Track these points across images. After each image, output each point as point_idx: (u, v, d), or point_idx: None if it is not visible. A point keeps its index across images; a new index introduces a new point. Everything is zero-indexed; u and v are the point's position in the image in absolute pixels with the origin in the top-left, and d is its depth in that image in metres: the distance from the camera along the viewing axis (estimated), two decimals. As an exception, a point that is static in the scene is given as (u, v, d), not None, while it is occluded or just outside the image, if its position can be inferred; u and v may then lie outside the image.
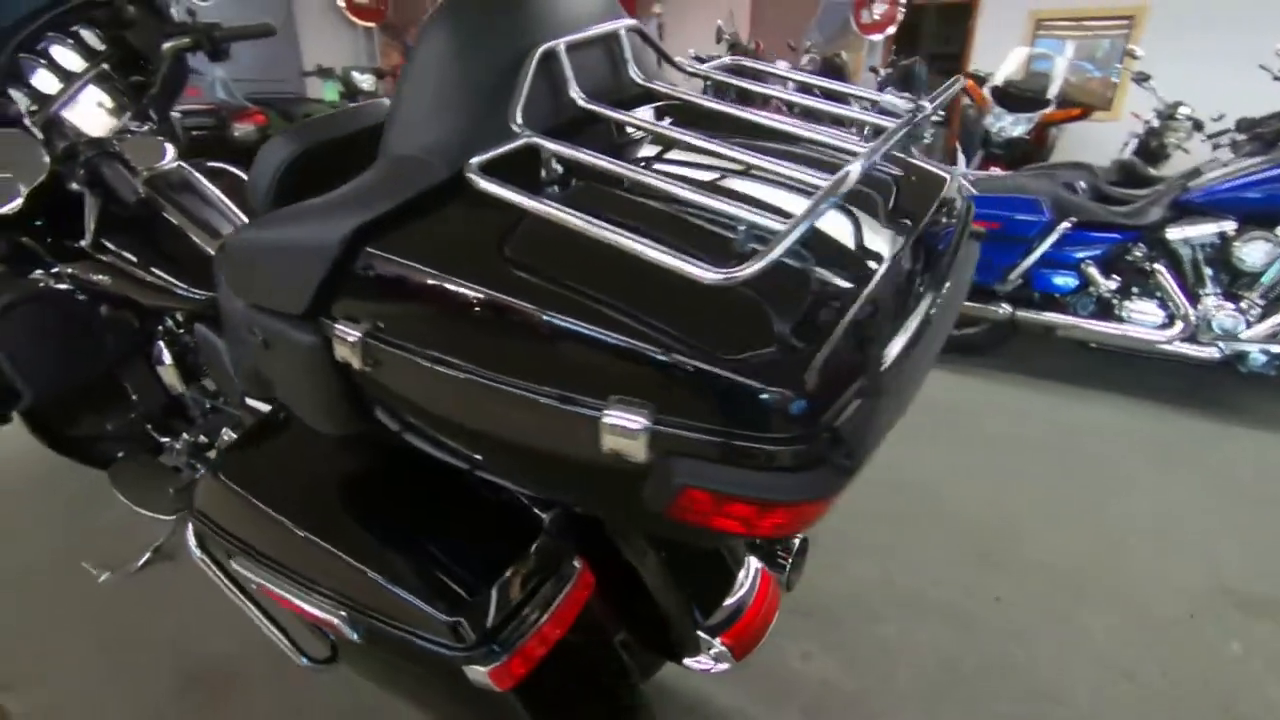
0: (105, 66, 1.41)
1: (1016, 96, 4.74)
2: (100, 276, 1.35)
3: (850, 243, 0.64)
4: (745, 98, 0.89)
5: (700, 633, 1.01)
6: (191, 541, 0.99)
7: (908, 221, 0.70)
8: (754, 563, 1.10)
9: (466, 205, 0.63)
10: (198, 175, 1.45)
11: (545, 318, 0.55)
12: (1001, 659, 1.49)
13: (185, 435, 1.54)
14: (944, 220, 0.81)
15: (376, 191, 0.64)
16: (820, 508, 0.56)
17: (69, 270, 1.38)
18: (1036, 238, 2.59)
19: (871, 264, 0.62)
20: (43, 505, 1.89)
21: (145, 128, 1.47)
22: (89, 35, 1.44)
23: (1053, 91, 4.67)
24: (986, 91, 4.83)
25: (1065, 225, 2.54)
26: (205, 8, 1.63)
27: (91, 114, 1.39)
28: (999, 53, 5.03)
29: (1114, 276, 2.60)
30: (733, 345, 0.52)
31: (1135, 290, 2.58)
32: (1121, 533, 1.87)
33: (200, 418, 1.52)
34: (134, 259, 1.32)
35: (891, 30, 6.74)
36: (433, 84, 0.66)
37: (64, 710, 1.31)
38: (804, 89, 1.01)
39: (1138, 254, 2.53)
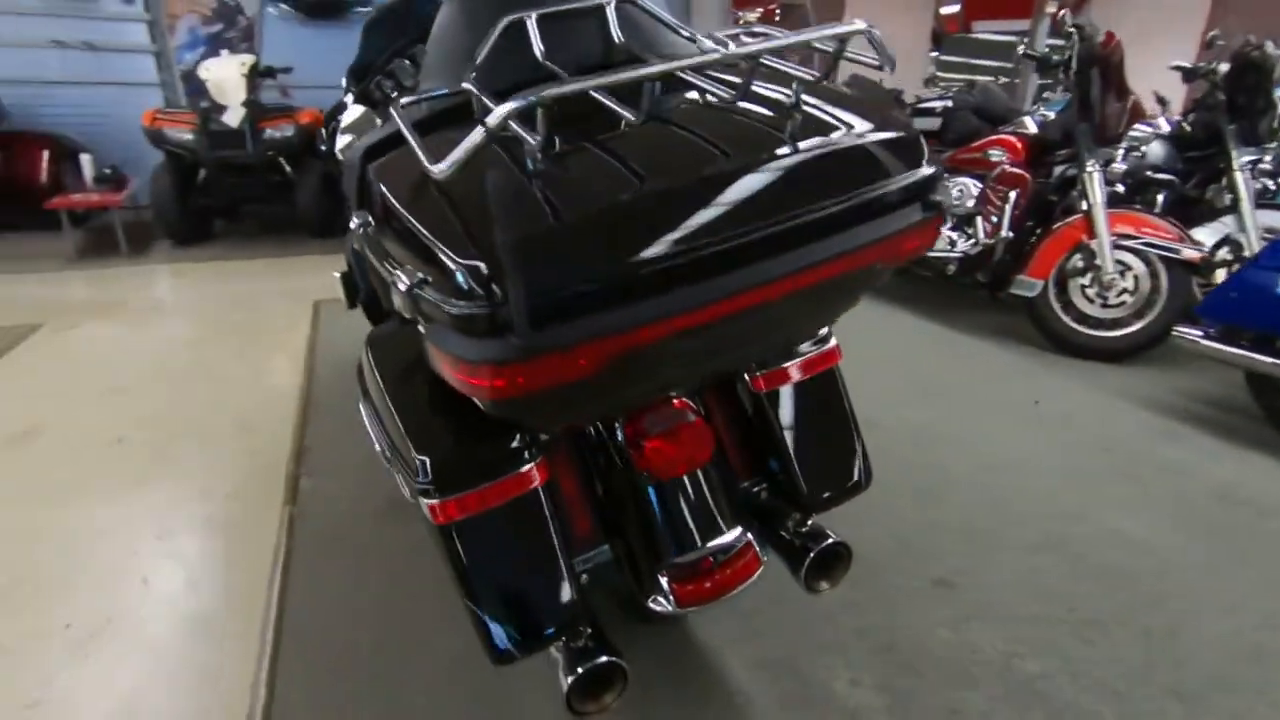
0: None
1: None
2: None
3: (647, 163, 0.69)
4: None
5: (659, 573, 1.08)
6: (360, 394, 1.42)
7: (765, 155, 0.70)
8: (743, 532, 1.11)
9: None
10: None
11: (402, 214, 0.75)
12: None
13: None
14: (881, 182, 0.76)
15: (388, 125, 0.91)
16: (509, 373, 0.64)
17: None
18: None
19: (650, 183, 0.66)
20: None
21: None
22: None
23: None
24: None
25: None
26: None
27: None
28: None
29: None
30: (458, 229, 0.64)
31: None
32: None
33: None
34: None
35: None
36: (440, 46, 0.89)
37: (324, 494, 1.96)
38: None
39: None
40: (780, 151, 0.77)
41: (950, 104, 4.43)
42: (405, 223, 0.73)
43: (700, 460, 1.04)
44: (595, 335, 0.66)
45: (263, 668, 1.37)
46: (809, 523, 1.20)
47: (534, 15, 0.87)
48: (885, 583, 1.63)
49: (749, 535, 1.11)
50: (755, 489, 1.25)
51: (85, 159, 4.74)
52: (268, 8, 5.79)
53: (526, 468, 0.99)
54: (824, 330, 1.24)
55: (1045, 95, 5.08)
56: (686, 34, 0.96)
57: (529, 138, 0.63)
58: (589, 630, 1.04)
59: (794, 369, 1.17)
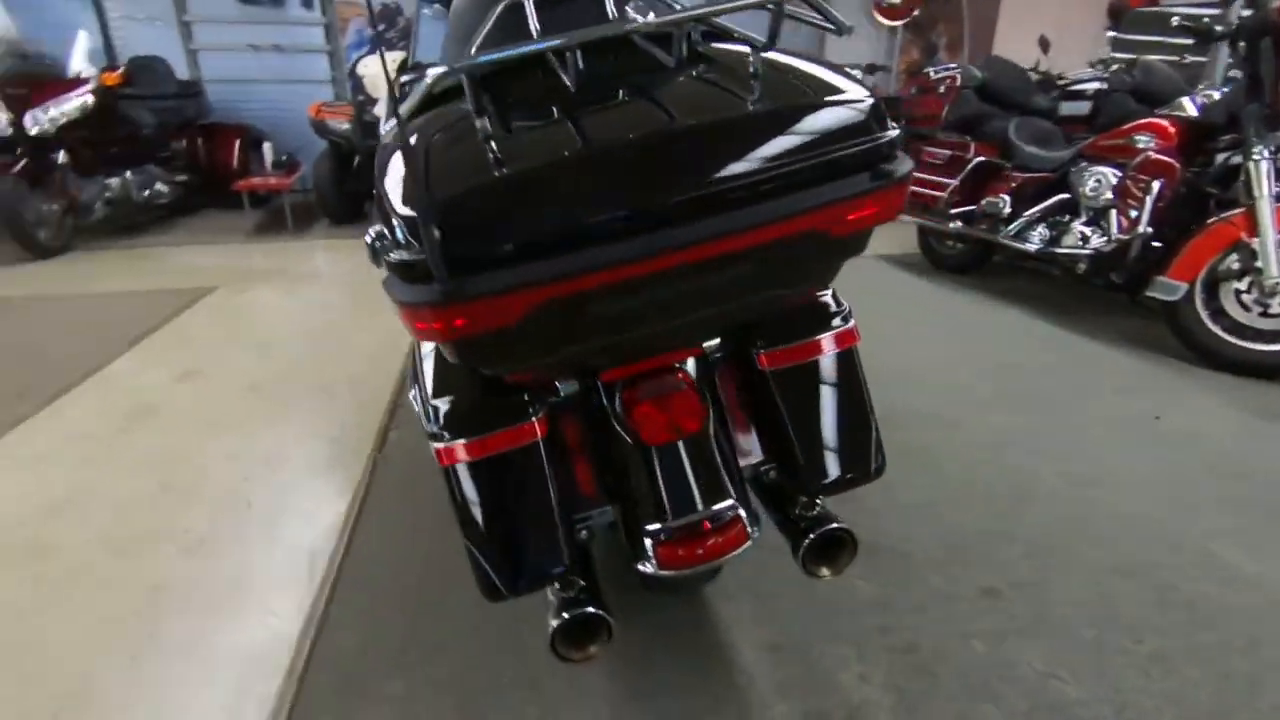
0: None
1: None
2: None
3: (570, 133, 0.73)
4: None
5: (646, 535, 1.11)
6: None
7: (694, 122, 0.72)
8: (733, 505, 1.11)
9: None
10: None
11: (379, 179, 0.84)
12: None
13: None
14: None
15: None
16: (443, 316, 0.71)
17: None
18: None
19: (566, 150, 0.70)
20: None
21: None
22: None
23: None
24: None
25: None
26: None
27: None
28: None
29: None
30: (404, 189, 0.72)
31: None
32: None
33: None
34: None
35: None
36: (456, 26, 0.97)
37: (405, 444, 2.16)
38: None
39: None
40: (710, 117, 0.78)
41: (1104, 86, 3.99)
42: (379, 186, 0.82)
43: (687, 430, 1.06)
44: (512, 285, 0.71)
45: (328, 582, 1.56)
46: (817, 506, 1.18)
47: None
48: (925, 585, 1.56)
49: (740, 510, 1.11)
50: (764, 468, 1.25)
51: (266, 147, 5.46)
52: (423, 9, 6.32)
53: (528, 422, 1.07)
54: (843, 308, 1.21)
55: (1231, 74, 4.41)
56: (681, 6, 0.99)
57: (471, 105, 0.70)
58: (582, 582, 1.09)
59: (800, 349, 1.15)
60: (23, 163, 4.13)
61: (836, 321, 1.18)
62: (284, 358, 2.88)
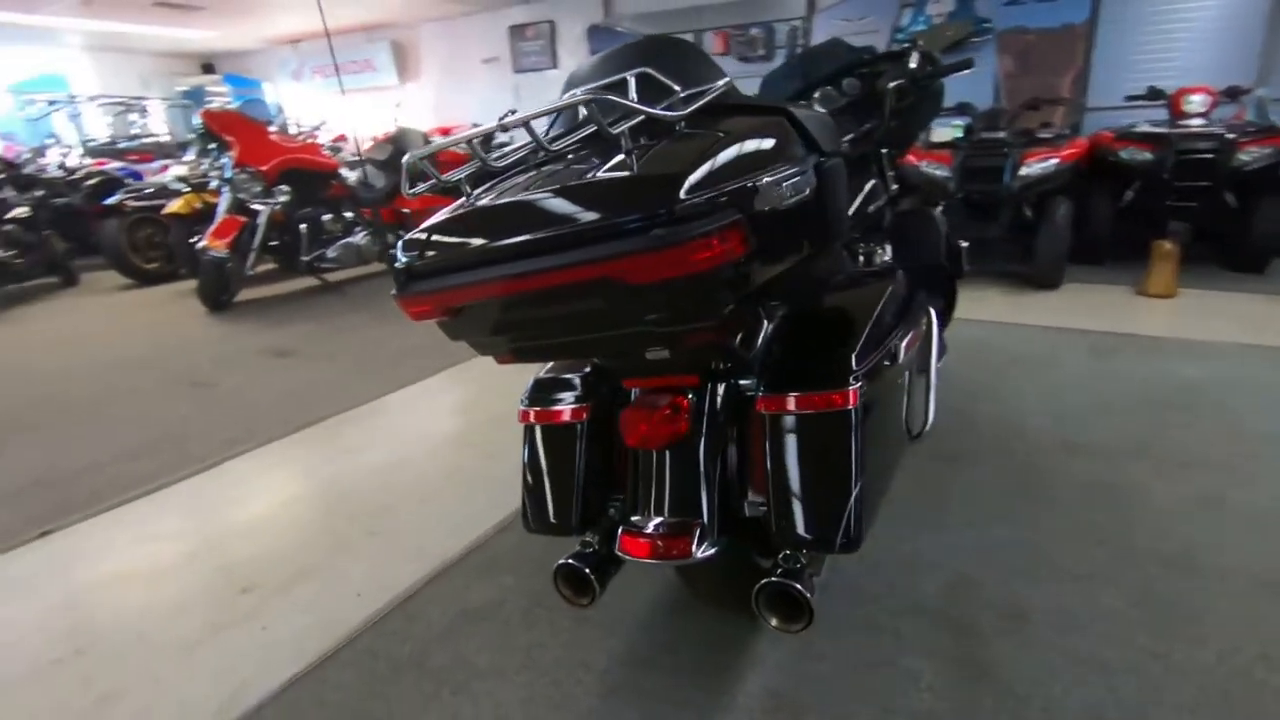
0: (845, 101, 2.21)
1: None
2: None
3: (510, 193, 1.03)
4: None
5: (621, 521, 1.32)
6: None
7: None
8: (689, 522, 1.22)
9: None
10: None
11: None
12: None
13: None
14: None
15: None
16: (405, 306, 1.11)
17: None
18: None
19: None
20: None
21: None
22: (848, 81, 2.27)
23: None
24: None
25: None
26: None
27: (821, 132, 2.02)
28: None
29: None
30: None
31: None
32: None
33: None
34: None
35: None
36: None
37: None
38: None
39: None
40: (556, 184, 1.00)
41: None
42: None
43: (654, 442, 1.20)
44: (427, 291, 1.06)
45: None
46: (801, 559, 1.17)
47: (581, 89, 1.23)
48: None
49: (696, 528, 1.21)
50: (763, 506, 1.27)
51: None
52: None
53: (575, 406, 1.40)
54: (856, 369, 1.16)
55: None
56: (681, 93, 1.15)
57: (435, 174, 1.10)
58: (594, 544, 1.35)
59: (790, 399, 1.17)
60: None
61: (837, 380, 1.16)
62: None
